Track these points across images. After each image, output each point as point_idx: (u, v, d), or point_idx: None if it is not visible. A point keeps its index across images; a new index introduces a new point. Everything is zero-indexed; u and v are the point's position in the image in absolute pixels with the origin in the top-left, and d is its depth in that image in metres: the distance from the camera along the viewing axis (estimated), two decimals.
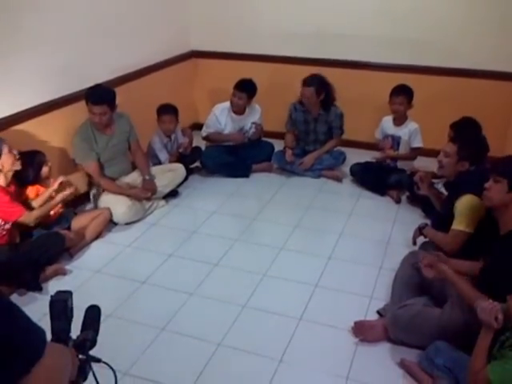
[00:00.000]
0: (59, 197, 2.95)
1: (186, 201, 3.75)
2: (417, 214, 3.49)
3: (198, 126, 4.72)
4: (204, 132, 4.17)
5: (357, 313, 2.49)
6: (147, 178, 3.56)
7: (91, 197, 3.50)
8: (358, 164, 4.03)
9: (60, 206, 3.07)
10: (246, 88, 4.00)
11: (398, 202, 3.71)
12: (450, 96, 4.15)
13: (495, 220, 2.19)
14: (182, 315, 2.51)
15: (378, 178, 3.83)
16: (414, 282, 2.43)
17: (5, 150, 2.65)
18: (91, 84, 3.30)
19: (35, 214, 2.82)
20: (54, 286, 2.70)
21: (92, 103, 3.17)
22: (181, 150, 3.99)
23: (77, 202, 3.50)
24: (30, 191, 2.98)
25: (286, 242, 3.17)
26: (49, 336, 0.98)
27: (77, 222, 3.13)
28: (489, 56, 4.00)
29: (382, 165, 3.93)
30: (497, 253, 2.09)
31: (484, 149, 2.80)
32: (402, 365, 2.17)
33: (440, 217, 2.85)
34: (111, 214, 3.28)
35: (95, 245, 3.14)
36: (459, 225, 2.50)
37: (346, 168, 4.14)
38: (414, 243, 2.86)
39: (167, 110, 3.86)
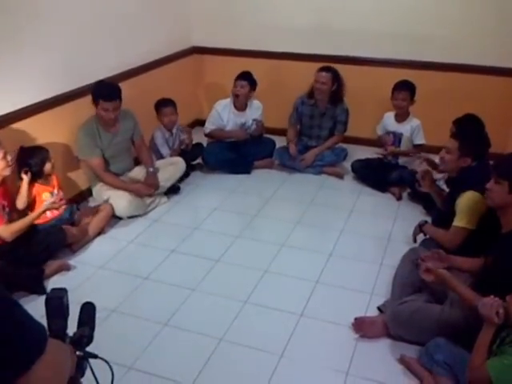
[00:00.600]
0: (40, 209, 2.80)
1: (188, 197, 3.76)
2: (418, 211, 3.49)
3: (199, 123, 4.73)
4: (207, 129, 4.17)
5: (357, 309, 2.50)
6: (151, 170, 3.57)
7: (93, 192, 3.51)
8: (359, 161, 4.03)
9: (62, 208, 3.03)
10: (248, 77, 4.02)
11: (399, 198, 3.70)
12: (452, 92, 4.14)
13: (497, 217, 2.20)
14: (184, 311, 2.53)
15: (380, 174, 3.83)
16: (415, 278, 2.42)
17: (0, 154, 2.60)
18: (93, 80, 3.31)
19: (13, 228, 2.63)
20: (57, 281, 2.72)
21: (105, 100, 3.18)
22: (183, 147, 4.00)
23: (79, 198, 3.53)
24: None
25: (288, 239, 3.18)
26: None
27: (79, 218, 3.14)
28: (491, 51, 3.99)
29: (384, 162, 3.93)
30: (498, 252, 2.10)
31: (486, 145, 2.81)
32: (402, 361, 2.18)
33: (441, 214, 2.86)
34: (113, 209, 3.29)
35: (98, 241, 3.16)
36: (460, 221, 2.51)
37: (347, 164, 4.14)
38: (415, 240, 2.87)
39: (166, 103, 3.88)
